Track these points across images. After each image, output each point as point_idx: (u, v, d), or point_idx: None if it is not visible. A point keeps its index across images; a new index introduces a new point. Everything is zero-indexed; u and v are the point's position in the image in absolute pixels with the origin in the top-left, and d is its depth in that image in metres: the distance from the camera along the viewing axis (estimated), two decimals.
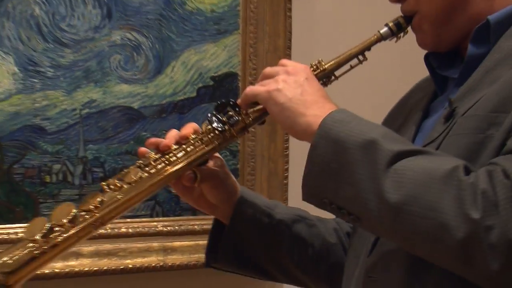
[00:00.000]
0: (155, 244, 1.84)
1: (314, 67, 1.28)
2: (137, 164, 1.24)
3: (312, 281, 1.42)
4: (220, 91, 1.92)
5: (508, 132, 1.06)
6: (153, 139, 1.29)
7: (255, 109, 1.22)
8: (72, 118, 1.80)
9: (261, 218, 1.37)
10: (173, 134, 1.28)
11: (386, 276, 1.13)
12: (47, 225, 1.11)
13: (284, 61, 1.26)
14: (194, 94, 1.91)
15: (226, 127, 1.22)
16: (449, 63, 1.29)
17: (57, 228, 1.11)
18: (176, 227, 1.88)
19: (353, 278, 1.22)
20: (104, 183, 1.21)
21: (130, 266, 1.81)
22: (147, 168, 1.22)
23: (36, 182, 1.77)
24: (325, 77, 1.29)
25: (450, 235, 0.96)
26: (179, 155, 1.23)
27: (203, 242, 1.82)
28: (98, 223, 1.16)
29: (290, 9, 1.97)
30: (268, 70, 1.25)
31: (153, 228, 1.85)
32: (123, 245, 1.82)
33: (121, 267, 1.81)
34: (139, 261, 1.82)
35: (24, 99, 1.76)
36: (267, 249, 1.39)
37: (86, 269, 1.77)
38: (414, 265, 1.08)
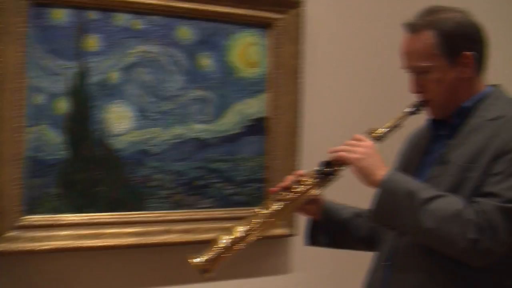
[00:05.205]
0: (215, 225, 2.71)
1: (371, 132, 1.98)
2: (272, 198, 2.00)
3: (365, 248, 2.18)
4: (256, 128, 2.83)
5: (478, 180, 1.77)
6: (281, 184, 2.02)
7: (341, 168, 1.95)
8: (166, 145, 2.64)
9: (337, 218, 2.16)
10: (290, 177, 2.03)
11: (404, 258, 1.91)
12: (227, 237, 1.92)
13: (359, 136, 1.95)
14: (240, 130, 2.81)
15: (327, 176, 1.98)
16: (441, 126, 1.99)
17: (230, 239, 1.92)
18: (227, 215, 2.76)
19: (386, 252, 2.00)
20: (255, 209, 1.99)
21: (203, 239, 2.57)
22: (278, 202, 1.98)
23: (143, 186, 2.61)
24: (378, 138, 1.98)
25: (458, 245, 1.71)
26: (299, 191, 1.98)
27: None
28: (253, 237, 1.94)
29: (299, 77, 2.87)
30: (352, 142, 1.93)
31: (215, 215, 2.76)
32: (197, 226, 2.71)
33: (195, 240, 2.66)
34: (206, 236, 2.63)
35: (138, 133, 2.59)
36: (341, 234, 2.18)
37: (176, 241, 2.66)
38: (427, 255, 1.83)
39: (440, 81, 1.90)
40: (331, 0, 3.05)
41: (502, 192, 1.73)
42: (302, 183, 2.00)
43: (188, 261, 1.92)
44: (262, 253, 2.89)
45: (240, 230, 1.95)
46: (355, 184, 2.00)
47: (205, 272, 1.90)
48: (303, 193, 2.00)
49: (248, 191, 2.85)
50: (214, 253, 1.92)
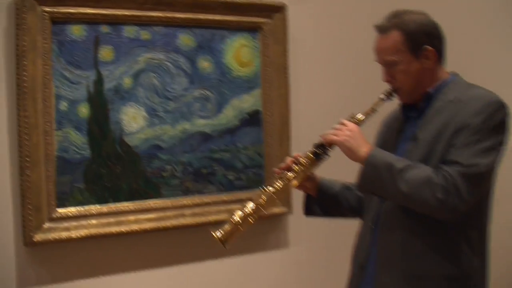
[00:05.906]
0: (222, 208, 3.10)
1: (353, 117, 2.28)
2: (276, 177, 2.33)
3: (354, 215, 2.51)
4: (252, 120, 3.19)
5: (443, 151, 2.11)
6: (282, 165, 2.36)
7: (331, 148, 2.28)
8: (175, 139, 3.00)
9: (330, 192, 2.50)
10: (289, 159, 2.36)
11: (388, 221, 2.25)
12: (240, 212, 2.25)
13: (344, 121, 2.26)
14: (238, 123, 3.17)
15: (321, 156, 2.31)
16: (410, 109, 2.31)
17: (243, 213, 2.25)
18: (232, 198, 3.13)
19: (370, 218, 2.33)
20: (263, 187, 2.31)
21: (212, 221, 3.00)
22: (282, 180, 2.32)
23: (158, 176, 2.96)
24: (359, 121, 2.28)
25: (430, 204, 2.05)
26: (298, 170, 2.32)
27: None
28: (262, 211, 2.28)
29: (287, 73, 3.25)
30: (338, 126, 2.25)
31: (221, 199, 3.12)
32: (206, 209, 3.07)
33: (205, 221, 3.02)
34: (214, 218, 3.04)
35: (150, 130, 2.94)
36: (334, 205, 2.52)
37: (188, 223, 3.02)
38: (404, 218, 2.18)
39: (406, 72, 2.23)
40: (310, 4, 3.43)
41: (462, 160, 2.08)
42: (300, 163, 2.34)
43: (211, 233, 2.25)
44: (262, 230, 3.24)
45: (251, 206, 2.29)
46: (341, 161, 2.36)
47: (224, 243, 2.24)
48: (302, 171, 2.34)
49: (248, 177, 3.21)
50: (231, 227, 2.26)
